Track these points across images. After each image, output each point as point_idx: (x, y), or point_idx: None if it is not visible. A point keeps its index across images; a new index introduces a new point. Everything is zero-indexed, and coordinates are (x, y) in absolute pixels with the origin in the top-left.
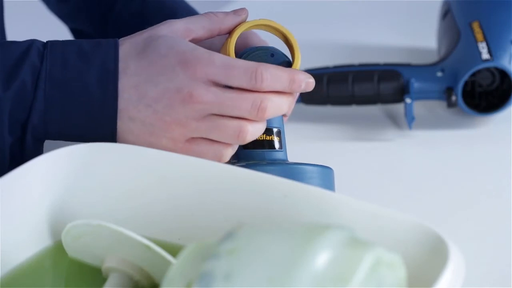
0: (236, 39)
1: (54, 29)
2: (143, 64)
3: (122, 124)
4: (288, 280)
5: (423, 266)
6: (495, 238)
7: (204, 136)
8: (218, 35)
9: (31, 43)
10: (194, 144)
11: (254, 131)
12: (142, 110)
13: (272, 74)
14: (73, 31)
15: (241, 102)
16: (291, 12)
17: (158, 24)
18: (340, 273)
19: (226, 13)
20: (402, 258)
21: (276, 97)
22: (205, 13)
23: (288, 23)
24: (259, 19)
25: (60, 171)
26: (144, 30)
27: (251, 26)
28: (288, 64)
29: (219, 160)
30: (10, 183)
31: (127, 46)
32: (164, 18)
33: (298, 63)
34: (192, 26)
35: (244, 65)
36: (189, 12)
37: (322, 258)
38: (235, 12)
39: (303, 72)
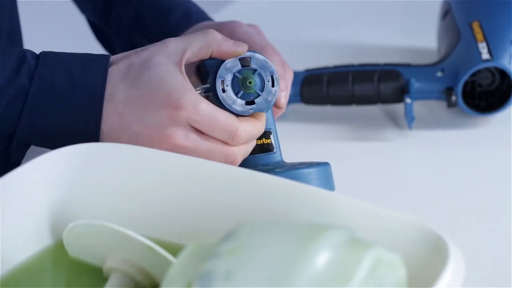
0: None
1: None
2: (132, 94)
3: None
4: (288, 280)
5: (423, 266)
6: (495, 238)
7: None
8: (211, 57)
9: (23, 58)
10: None
11: None
12: (124, 138)
13: (247, 132)
14: (90, 22)
15: (215, 155)
16: (291, 12)
17: (155, 44)
18: (340, 273)
19: (226, 39)
20: (402, 258)
21: (247, 147)
22: (206, 30)
23: (289, 23)
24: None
25: (60, 171)
26: (141, 49)
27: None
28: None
29: None
30: (10, 182)
31: (121, 67)
32: (160, 16)
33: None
34: (189, 48)
35: (226, 121)
36: (187, 8)
37: (322, 258)
38: (235, 42)
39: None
